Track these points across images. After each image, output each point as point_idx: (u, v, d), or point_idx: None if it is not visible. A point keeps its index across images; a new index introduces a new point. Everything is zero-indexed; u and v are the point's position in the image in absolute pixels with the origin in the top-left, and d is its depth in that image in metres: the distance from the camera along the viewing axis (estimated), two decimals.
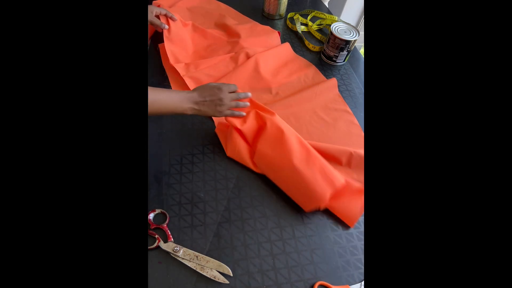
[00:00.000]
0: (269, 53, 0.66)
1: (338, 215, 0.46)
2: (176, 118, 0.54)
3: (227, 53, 0.66)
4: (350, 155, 0.50)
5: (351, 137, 0.56)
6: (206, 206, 0.45)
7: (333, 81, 0.64)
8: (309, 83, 0.64)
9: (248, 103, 0.49)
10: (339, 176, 0.46)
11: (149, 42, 0.68)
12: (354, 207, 0.45)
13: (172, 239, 0.41)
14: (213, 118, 0.55)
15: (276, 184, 0.47)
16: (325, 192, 0.43)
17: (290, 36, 0.76)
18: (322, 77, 0.66)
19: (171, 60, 0.61)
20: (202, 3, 0.79)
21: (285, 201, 0.47)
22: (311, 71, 0.67)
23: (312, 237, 0.43)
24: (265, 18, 0.80)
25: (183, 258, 0.39)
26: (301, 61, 0.69)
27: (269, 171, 0.48)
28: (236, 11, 0.80)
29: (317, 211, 0.46)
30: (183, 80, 0.59)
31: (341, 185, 0.45)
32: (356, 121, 0.58)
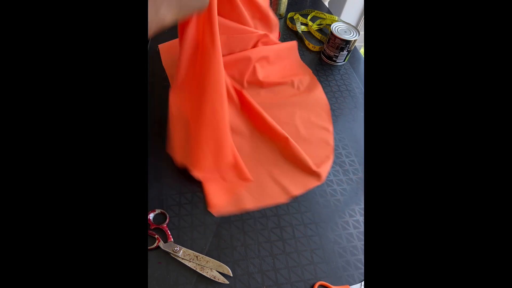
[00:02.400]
0: (272, 48, 0.63)
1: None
2: None
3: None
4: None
5: (317, 158, 0.52)
6: (206, 206, 0.45)
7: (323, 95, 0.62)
8: (302, 89, 0.63)
9: None
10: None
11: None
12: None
13: (172, 239, 0.41)
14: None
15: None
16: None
17: (290, 36, 0.76)
18: (317, 84, 0.64)
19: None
20: None
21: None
22: (307, 78, 0.65)
23: (312, 237, 0.43)
24: None
25: (183, 258, 0.39)
26: (300, 65, 0.68)
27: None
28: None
29: (321, 209, 0.46)
30: None
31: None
32: (332, 142, 0.55)
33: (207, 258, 0.39)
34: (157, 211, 0.43)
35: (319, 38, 0.75)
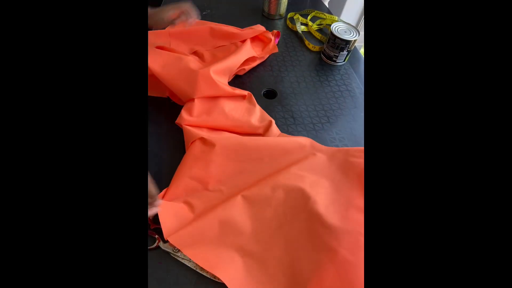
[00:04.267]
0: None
1: None
2: (176, 118, 0.54)
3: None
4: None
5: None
6: None
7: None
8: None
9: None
10: None
11: None
12: None
13: None
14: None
15: None
16: None
17: (290, 36, 0.76)
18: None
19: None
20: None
21: None
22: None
23: None
24: (265, 18, 0.80)
25: (183, 258, 0.39)
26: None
27: None
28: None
29: None
30: None
31: None
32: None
33: None
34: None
35: (319, 38, 0.75)
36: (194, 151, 0.48)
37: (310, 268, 0.36)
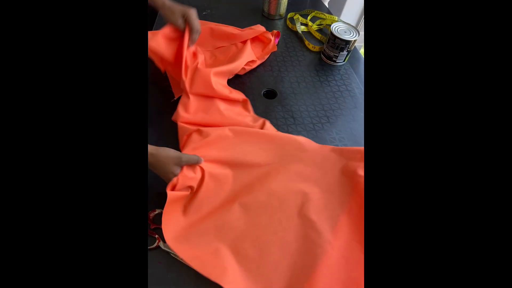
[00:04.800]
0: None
1: None
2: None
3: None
4: None
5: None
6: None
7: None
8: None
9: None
10: None
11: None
12: None
13: None
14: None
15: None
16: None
17: (290, 36, 0.76)
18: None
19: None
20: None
21: None
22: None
23: None
24: (265, 18, 0.80)
25: (183, 258, 0.39)
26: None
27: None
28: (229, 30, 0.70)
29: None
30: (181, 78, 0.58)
31: None
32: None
33: None
34: (157, 211, 0.43)
35: (319, 38, 0.75)
36: (191, 143, 0.49)
37: (305, 272, 0.37)
